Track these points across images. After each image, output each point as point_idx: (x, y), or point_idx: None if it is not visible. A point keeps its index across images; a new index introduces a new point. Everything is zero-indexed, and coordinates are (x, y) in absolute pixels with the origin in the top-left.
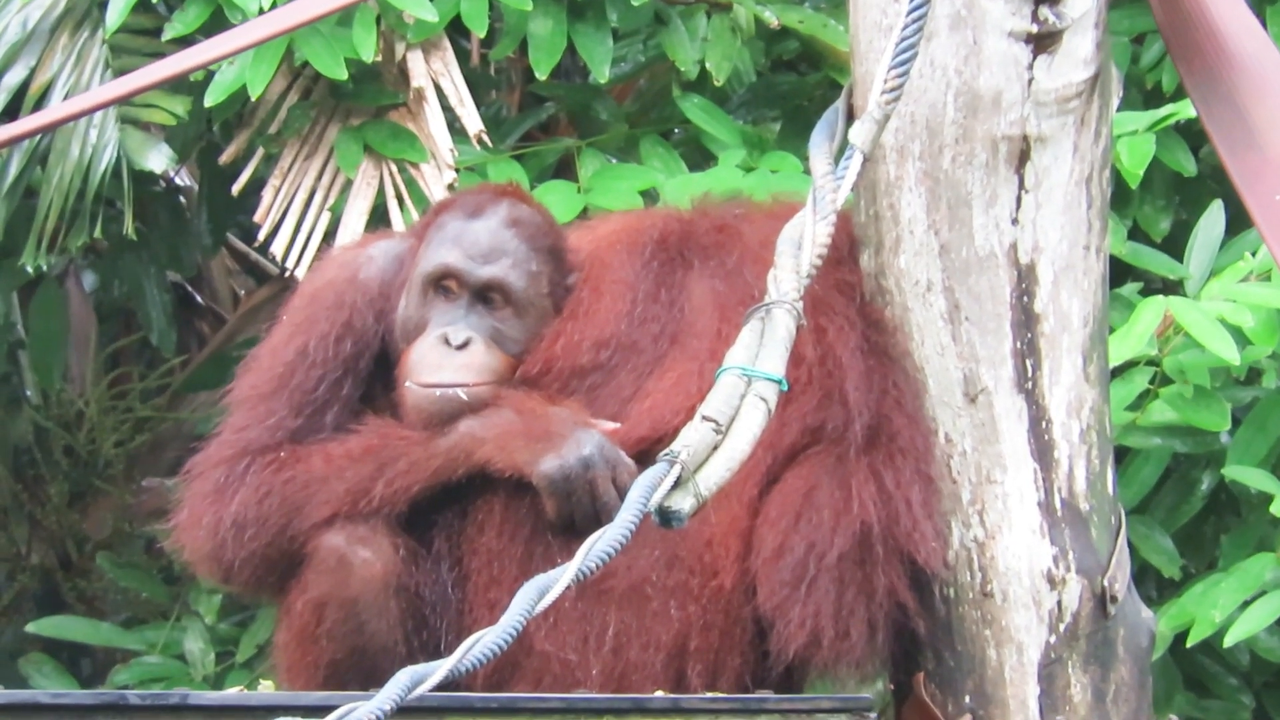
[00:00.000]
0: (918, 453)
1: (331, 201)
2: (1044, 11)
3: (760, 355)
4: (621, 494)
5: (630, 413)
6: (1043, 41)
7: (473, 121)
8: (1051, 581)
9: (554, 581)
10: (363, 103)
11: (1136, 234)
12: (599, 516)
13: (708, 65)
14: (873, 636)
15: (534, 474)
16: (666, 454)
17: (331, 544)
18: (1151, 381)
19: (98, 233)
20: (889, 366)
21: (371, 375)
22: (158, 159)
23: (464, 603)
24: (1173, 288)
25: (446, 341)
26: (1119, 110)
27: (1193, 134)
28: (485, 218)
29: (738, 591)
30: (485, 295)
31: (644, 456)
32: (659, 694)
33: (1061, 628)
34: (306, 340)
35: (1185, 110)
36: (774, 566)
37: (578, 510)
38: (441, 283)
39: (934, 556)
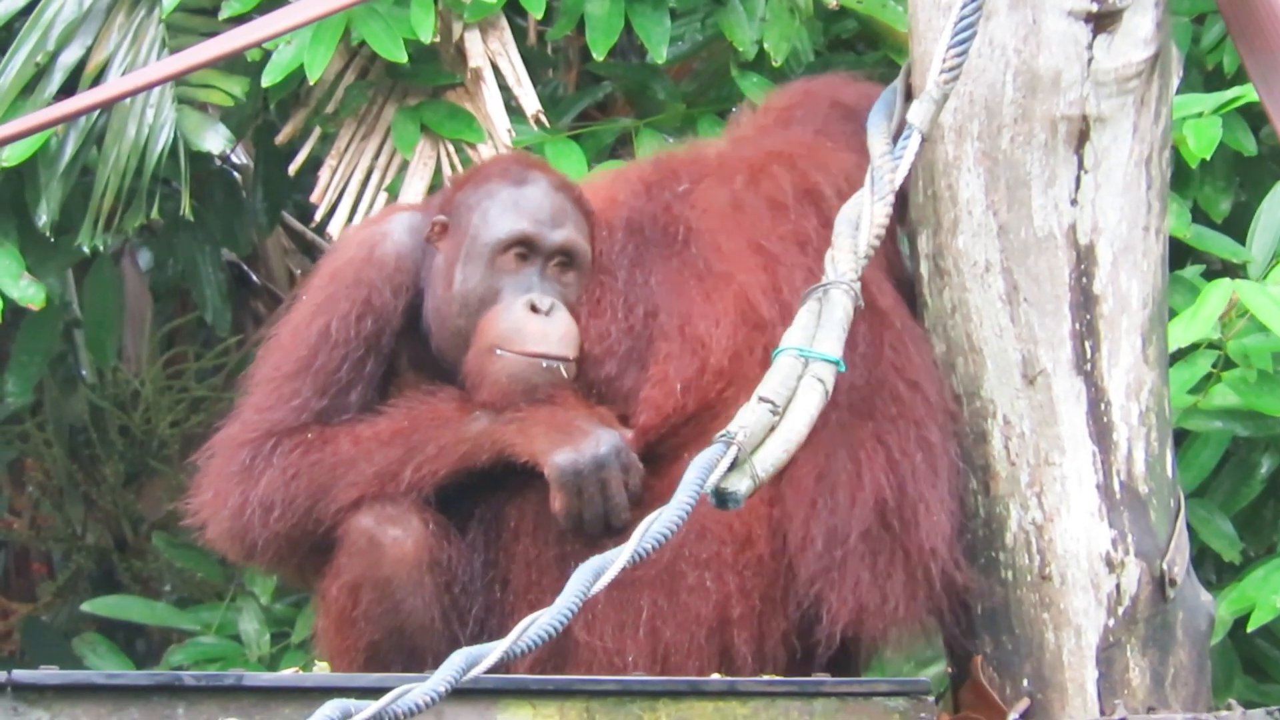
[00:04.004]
0: (918, 418)
1: (388, 181)
2: None
3: (817, 336)
4: (632, 498)
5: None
6: (1102, 21)
7: (530, 101)
8: (1110, 564)
9: (610, 562)
10: (420, 83)
11: (1197, 215)
12: (608, 518)
13: (765, 45)
14: (914, 596)
15: (548, 464)
16: (723, 435)
17: (361, 526)
18: (1214, 365)
19: (154, 213)
20: (885, 330)
21: (394, 352)
22: (214, 140)
23: (497, 579)
24: (1234, 270)
25: (534, 308)
26: (1179, 92)
27: (1254, 114)
28: (534, 183)
29: (776, 559)
30: (555, 260)
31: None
32: (715, 676)
33: (1120, 611)
34: (328, 320)
35: (1251, 94)
36: (803, 558)
37: (587, 508)
38: (514, 250)
39: (935, 532)
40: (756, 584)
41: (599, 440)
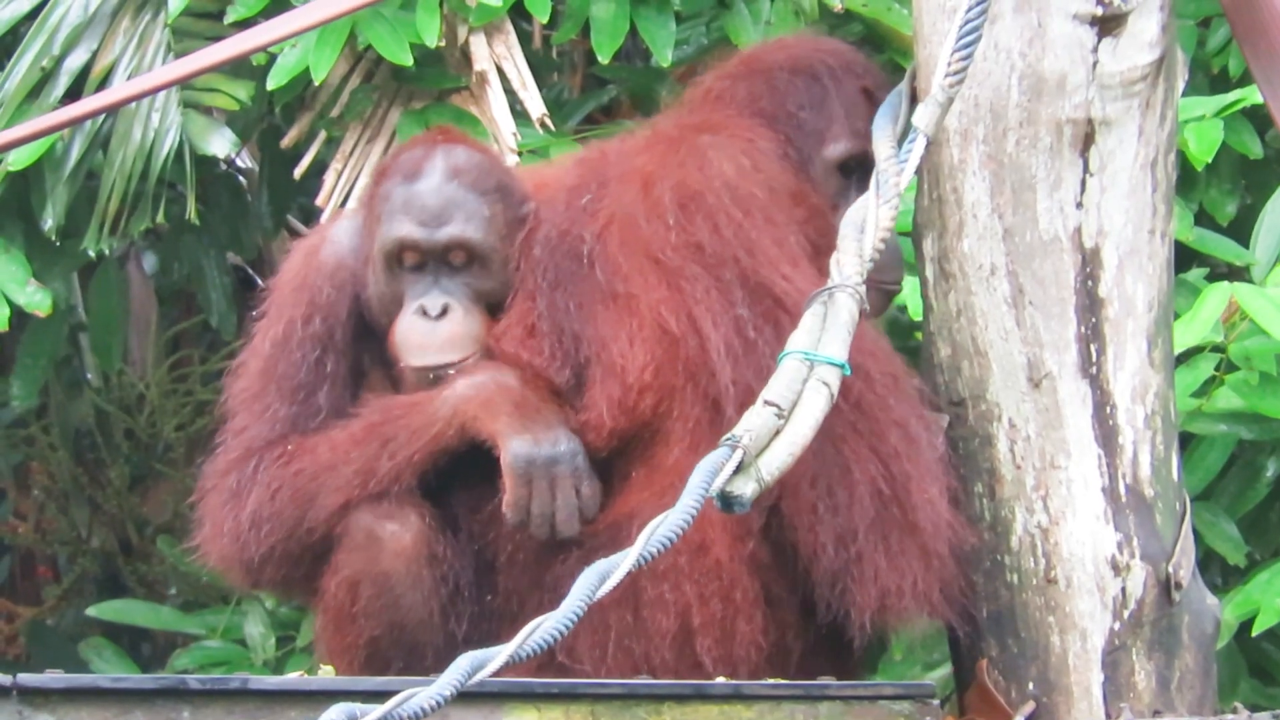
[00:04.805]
0: (878, 397)
1: None
2: None
3: (823, 339)
4: (584, 509)
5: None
6: (1108, 24)
7: (535, 105)
8: (1116, 568)
9: (615, 566)
10: (425, 86)
11: (1202, 218)
12: (554, 520)
13: None
14: (929, 566)
15: (505, 448)
16: (728, 438)
17: (360, 521)
18: (1217, 368)
19: (160, 217)
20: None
21: (358, 349)
22: (220, 143)
23: (488, 584)
24: (1238, 273)
25: (425, 313)
26: (1184, 94)
27: (1259, 117)
28: (426, 176)
29: (735, 563)
30: (448, 257)
31: None
32: (720, 680)
33: (1126, 614)
34: (279, 329)
35: (1253, 95)
36: (818, 569)
37: (535, 501)
38: (401, 256)
39: (931, 503)
40: (715, 588)
41: (558, 438)
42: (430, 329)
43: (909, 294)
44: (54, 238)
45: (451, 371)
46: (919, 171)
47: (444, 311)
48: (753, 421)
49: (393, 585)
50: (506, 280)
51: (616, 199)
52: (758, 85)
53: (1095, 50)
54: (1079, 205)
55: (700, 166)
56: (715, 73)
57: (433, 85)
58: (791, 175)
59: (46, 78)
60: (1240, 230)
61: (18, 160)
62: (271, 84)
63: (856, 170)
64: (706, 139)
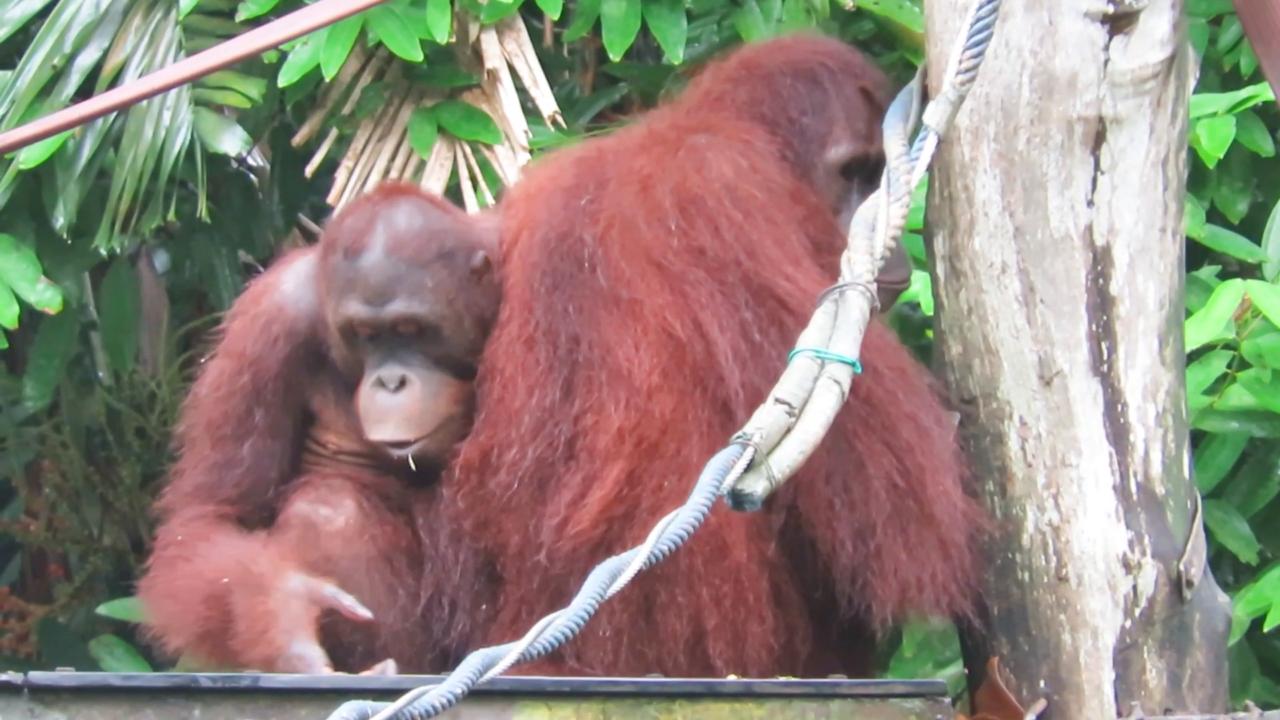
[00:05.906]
0: (887, 391)
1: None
2: None
3: (834, 337)
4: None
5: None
6: (1119, 22)
7: (546, 102)
8: (1127, 566)
9: (625, 565)
10: (436, 84)
11: (1213, 215)
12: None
13: None
14: (948, 557)
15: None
16: (739, 436)
17: (297, 510)
18: (1229, 365)
19: (171, 215)
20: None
21: (298, 396)
22: (231, 142)
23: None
24: (1250, 271)
25: (382, 384)
26: (1195, 92)
27: (1271, 115)
28: (366, 251)
29: (753, 564)
30: (398, 330)
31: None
32: (731, 678)
33: (1137, 612)
34: (213, 377)
35: (1265, 93)
36: (838, 565)
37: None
38: (354, 330)
39: (946, 496)
40: (728, 590)
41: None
42: (388, 402)
43: (921, 290)
44: (65, 236)
45: (407, 456)
46: (930, 169)
47: (402, 384)
48: (763, 419)
49: (336, 565)
50: (466, 337)
51: (615, 201)
52: (758, 90)
53: (1106, 48)
54: (1090, 203)
55: (699, 169)
56: (713, 74)
57: (444, 83)
58: (789, 174)
59: (58, 76)
60: (1251, 227)
61: (29, 158)
62: (283, 82)
63: (859, 173)
64: (703, 140)
